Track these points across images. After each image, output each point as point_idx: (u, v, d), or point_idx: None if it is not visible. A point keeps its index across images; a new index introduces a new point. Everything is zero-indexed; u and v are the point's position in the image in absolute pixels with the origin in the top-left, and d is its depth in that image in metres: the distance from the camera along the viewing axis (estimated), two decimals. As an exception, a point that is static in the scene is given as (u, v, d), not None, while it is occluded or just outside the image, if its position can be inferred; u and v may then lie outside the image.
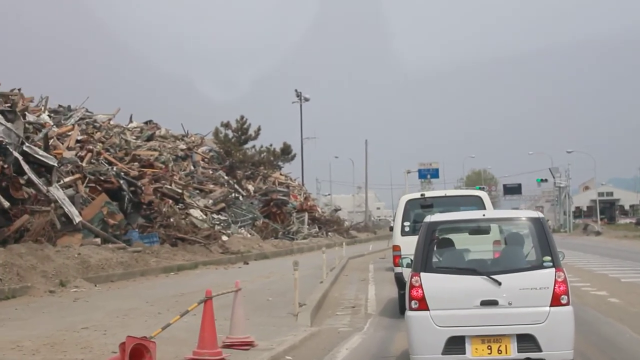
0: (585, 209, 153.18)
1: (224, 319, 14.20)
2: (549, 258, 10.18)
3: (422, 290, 10.18)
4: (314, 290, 22.16)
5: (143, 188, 36.45)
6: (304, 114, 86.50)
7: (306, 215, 61.90)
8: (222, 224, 45.45)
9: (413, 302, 10.25)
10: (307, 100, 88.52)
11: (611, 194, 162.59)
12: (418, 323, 10.19)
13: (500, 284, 10.00)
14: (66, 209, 27.96)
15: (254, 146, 60.25)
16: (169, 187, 42.77)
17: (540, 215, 10.85)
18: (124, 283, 25.04)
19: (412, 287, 10.29)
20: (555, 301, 9.95)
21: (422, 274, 10.30)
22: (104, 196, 31.53)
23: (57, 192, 27.99)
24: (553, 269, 10.09)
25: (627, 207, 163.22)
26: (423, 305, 10.16)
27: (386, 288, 24.14)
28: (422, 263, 10.43)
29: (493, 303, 9.96)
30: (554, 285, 9.98)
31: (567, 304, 10.01)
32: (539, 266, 10.22)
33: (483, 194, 19.05)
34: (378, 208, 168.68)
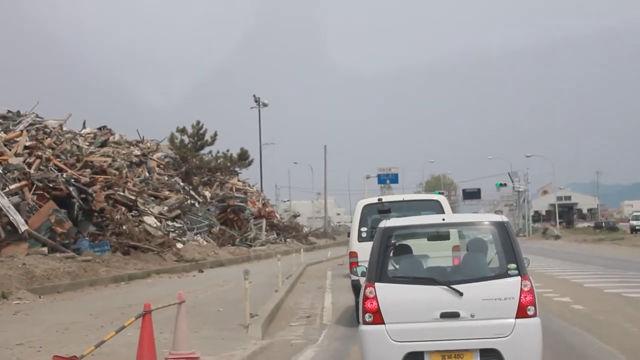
0: (544, 213, 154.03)
1: (170, 332, 13.29)
2: (514, 266, 9.43)
3: (377, 302, 9.39)
4: (268, 299, 21.30)
5: (94, 195, 35.37)
6: (263, 120, 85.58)
7: (264, 221, 61.05)
8: (177, 232, 44.44)
9: (367, 315, 9.44)
10: (265, 105, 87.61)
11: (569, 198, 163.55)
12: (373, 338, 9.41)
13: (461, 294, 9.25)
14: (11, 217, 26.94)
15: (210, 152, 59.25)
16: (122, 193, 41.72)
17: (505, 219, 10.09)
18: (70, 294, 24.06)
19: (365, 298, 9.49)
20: (522, 312, 9.22)
21: (376, 284, 9.50)
22: (52, 204, 30.47)
23: (1, 200, 26.91)
24: (519, 278, 9.35)
25: (585, 211, 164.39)
26: (378, 319, 9.38)
27: (343, 296, 23.40)
28: (377, 272, 9.59)
29: (454, 315, 9.21)
30: (520, 295, 9.24)
31: (534, 315, 9.29)
32: (504, 274, 9.47)
33: (442, 198, 18.46)
34: (338, 214, 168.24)
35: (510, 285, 9.30)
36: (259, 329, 15.74)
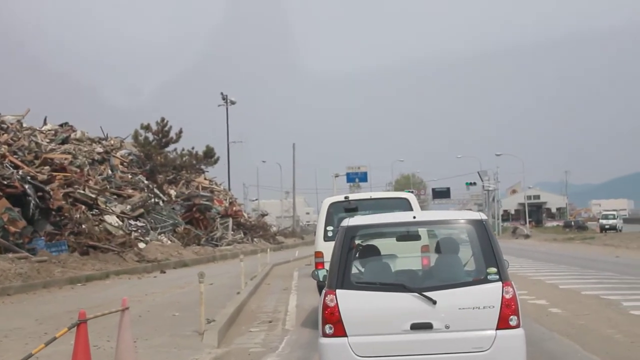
0: (513, 212, 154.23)
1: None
2: (494, 270, 8.33)
3: (339, 311, 8.30)
4: (229, 302, 20.16)
5: (52, 193, 34.09)
6: (231, 118, 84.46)
7: (231, 220, 59.87)
8: (139, 231, 43.19)
9: (327, 326, 8.33)
10: (233, 103, 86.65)
11: (538, 197, 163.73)
12: (333, 352, 8.32)
13: (435, 302, 8.17)
14: (-41, 216, 25.61)
15: (175, 149, 57.86)
16: (82, 192, 40.48)
17: (483, 216, 8.92)
18: (21, 297, 22.87)
19: (325, 307, 8.38)
20: (503, 323, 8.14)
21: (338, 291, 8.41)
22: (4, 201, 29.18)
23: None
24: (500, 283, 8.26)
25: (554, 210, 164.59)
26: (339, 331, 8.29)
27: (309, 297, 22.39)
28: (339, 277, 8.48)
29: (426, 327, 8.15)
30: (501, 304, 8.17)
31: (517, 326, 8.22)
32: (483, 280, 8.37)
33: (410, 196, 17.74)
34: (307, 213, 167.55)
35: (491, 292, 8.23)
36: (215, 336, 14.56)
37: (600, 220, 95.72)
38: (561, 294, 22.03)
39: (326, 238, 16.76)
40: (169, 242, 45.52)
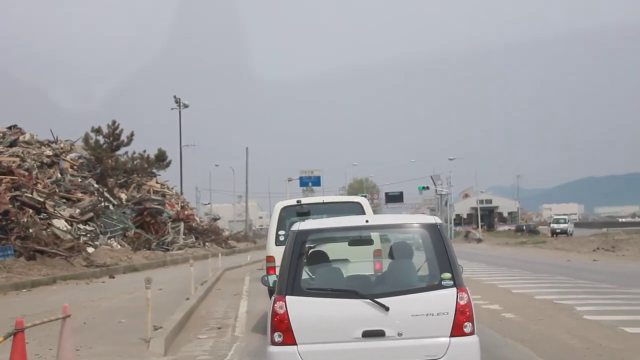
0: (465, 216, 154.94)
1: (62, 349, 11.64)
2: (448, 275, 8.12)
3: (288, 318, 8.00)
4: (177, 308, 19.71)
5: (-2, 196, 33.34)
6: (184, 122, 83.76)
7: (182, 225, 59.21)
8: (89, 235, 42.47)
9: (276, 334, 8.04)
10: (186, 106, 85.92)
11: (490, 201, 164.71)
12: None
13: (387, 309, 7.92)
14: None
15: (126, 153, 57.09)
16: (30, 195, 39.72)
17: (437, 220, 8.71)
18: (-38, 303, 22.21)
19: (274, 314, 8.07)
20: (457, 330, 7.92)
21: (287, 297, 8.11)
22: (-52, 205, 28.39)
23: None
24: (454, 289, 8.06)
25: (505, 215, 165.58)
26: (289, 339, 7.99)
27: (260, 302, 22.11)
28: (289, 283, 8.19)
29: (379, 334, 7.89)
30: (456, 310, 7.95)
31: (472, 332, 8.00)
32: (437, 286, 8.14)
33: (363, 200, 17.49)
34: (260, 217, 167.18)
35: (445, 299, 8.01)
36: (162, 344, 14.13)
37: (552, 225, 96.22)
38: (515, 298, 21.87)
39: (278, 242, 16.49)
40: (119, 246, 44.86)
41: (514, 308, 19.22)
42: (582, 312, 17.90)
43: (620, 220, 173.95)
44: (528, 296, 22.17)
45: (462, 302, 7.97)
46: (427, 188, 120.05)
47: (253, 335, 16.20)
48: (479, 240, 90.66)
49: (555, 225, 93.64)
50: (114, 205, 52.29)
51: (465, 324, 7.94)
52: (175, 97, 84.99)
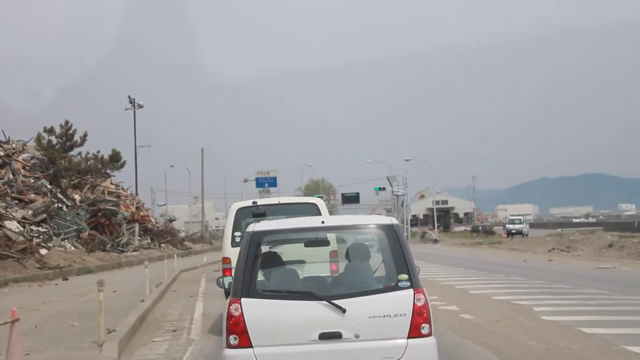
0: (421, 217, 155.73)
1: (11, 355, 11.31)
2: (405, 276, 8.05)
3: (244, 321, 7.88)
4: (132, 310, 19.38)
5: (-53, 198, 32.71)
6: (139, 122, 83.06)
7: (137, 226, 58.63)
8: (42, 237, 41.85)
9: (232, 336, 7.91)
10: (140, 107, 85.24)
11: (446, 202, 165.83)
12: None
13: (344, 311, 7.84)
14: None
15: (80, 153, 56.44)
16: (-20, 197, 38.98)
17: (394, 221, 8.60)
18: None
19: (230, 317, 7.94)
20: (415, 331, 7.88)
21: (243, 299, 7.97)
22: None
23: None
24: (411, 290, 8.00)
25: (461, 215, 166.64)
26: (245, 341, 7.87)
27: (216, 304, 21.84)
28: (244, 285, 8.04)
29: (335, 336, 7.81)
30: (413, 311, 7.90)
31: (429, 334, 7.96)
32: (394, 287, 8.08)
33: (319, 201, 17.53)
34: (217, 218, 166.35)
35: (402, 300, 7.97)
36: (116, 347, 13.82)
37: (507, 225, 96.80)
38: (472, 299, 21.80)
39: (234, 244, 16.40)
40: (73, 248, 44.25)
41: (472, 309, 19.13)
42: (539, 313, 17.85)
43: (574, 220, 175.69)
44: (485, 297, 22.12)
45: (419, 304, 7.94)
46: (384, 189, 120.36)
47: (209, 338, 15.94)
48: (436, 241, 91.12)
49: (510, 226, 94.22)
50: (67, 206, 51.63)
51: (423, 325, 7.90)
52: (129, 97, 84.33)
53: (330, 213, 19.52)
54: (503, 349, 13.15)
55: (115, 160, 57.64)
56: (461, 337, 14.73)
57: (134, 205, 68.41)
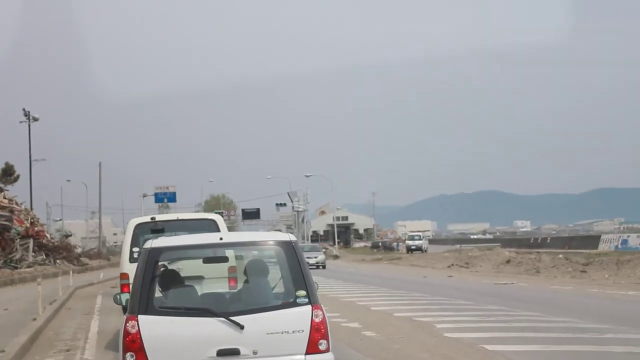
0: (322, 232, 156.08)
1: None
2: (303, 293, 8.17)
3: (140, 338, 7.79)
4: (22, 329, 18.59)
5: None
6: (33, 135, 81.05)
7: (31, 241, 57.06)
8: None
9: (128, 354, 7.83)
10: (36, 120, 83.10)
11: (346, 218, 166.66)
12: None
13: (242, 327, 7.89)
14: None
15: (-29, 167, 54.80)
16: None
17: (292, 238, 8.70)
18: None
19: (126, 334, 7.85)
20: (312, 348, 8.00)
21: (140, 317, 7.89)
22: None
23: None
24: (309, 307, 8.12)
25: (361, 231, 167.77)
26: (142, 359, 7.79)
27: (112, 321, 21.30)
28: (141, 302, 7.96)
29: (233, 353, 7.85)
30: (311, 328, 8.02)
31: (327, 350, 8.09)
32: (292, 303, 8.20)
33: (217, 217, 17.59)
34: (115, 234, 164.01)
35: (300, 316, 8.08)
36: (4, 369, 13.18)
37: (407, 241, 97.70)
38: (374, 316, 21.60)
39: (132, 259, 16.14)
40: (-37, 264, 42.76)
41: (374, 326, 18.91)
42: (441, 330, 17.73)
43: (471, 237, 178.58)
44: (387, 313, 21.96)
45: (317, 320, 8.01)
46: (284, 205, 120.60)
47: (104, 357, 15.38)
48: (336, 257, 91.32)
49: (410, 242, 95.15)
50: (-42, 221, 49.94)
51: (321, 341, 7.99)
52: (24, 109, 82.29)
53: (231, 229, 19.34)
54: (407, 367, 12.94)
55: (8, 173, 56.28)
56: (364, 355, 14.48)
57: (29, 220, 66.58)
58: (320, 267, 59.52)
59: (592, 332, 16.57)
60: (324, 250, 75.19)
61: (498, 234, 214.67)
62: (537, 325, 18.16)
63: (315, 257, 60.82)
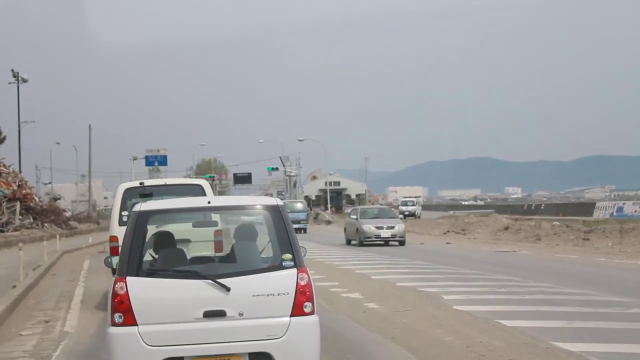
0: (314, 198, 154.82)
1: None
2: (289, 256, 8.26)
3: (129, 299, 7.92)
4: (0, 298, 17.36)
5: None
6: (23, 96, 79.72)
7: (19, 204, 55.81)
8: None
9: (117, 315, 7.93)
10: (25, 81, 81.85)
11: (339, 183, 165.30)
12: (123, 342, 7.88)
13: (229, 289, 7.98)
14: None
15: (-44, 128, 53.32)
16: None
17: (279, 202, 8.81)
18: None
19: (115, 295, 7.97)
20: (297, 310, 8.10)
21: (128, 278, 8.02)
22: None
23: None
24: (295, 270, 8.22)
25: (353, 197, 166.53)
26: (129, 319, 7.90)
27: (98, 289, 20.27)
28: (130, 264, 8.08)
29: (220, 314, 7.94)
30: (296, 290, 8.12)
31: (312, 312, 8.19)
32: (278, 266, 8.29)
33: (204, 183, 18.31)
34: (105, 197, 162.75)
35: (285, 279, 8.18)
36: (-26, 343, 11.93)
37: (400, 207, 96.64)
38: (375, 285, 20.35)
39: (121, 222, 16.60)
40: (-54, 227, 41.49)
41: (377, 297, 17.67)
42: (450, 302, 16.51)
43: (463, 203, 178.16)
44: (389, 283, 20.73)
45: (302, 283, 8.13)
46: (277, 169, 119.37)
47: (85, 331, 14.25)
48: (329, 222, 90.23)
49: (403, 208, 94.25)
50: (-58, 183, 48.62)
51: (306, 303, 8.11)
52: (13, 70, 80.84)
53: (222, 193, 18.84)
54: (418, 346, 11.61)
55: (-6, 135, 54.67)
56: (369, 330, 13.21)
57: (16, 183, 65.29)
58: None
59: (616, 307, 15.37)
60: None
61: (489, 200, 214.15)
62: (553, 297, 16.96)
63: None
